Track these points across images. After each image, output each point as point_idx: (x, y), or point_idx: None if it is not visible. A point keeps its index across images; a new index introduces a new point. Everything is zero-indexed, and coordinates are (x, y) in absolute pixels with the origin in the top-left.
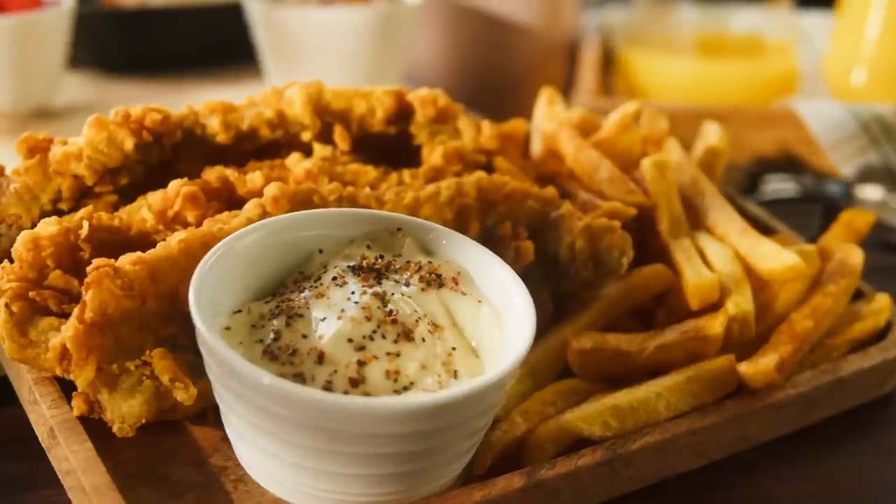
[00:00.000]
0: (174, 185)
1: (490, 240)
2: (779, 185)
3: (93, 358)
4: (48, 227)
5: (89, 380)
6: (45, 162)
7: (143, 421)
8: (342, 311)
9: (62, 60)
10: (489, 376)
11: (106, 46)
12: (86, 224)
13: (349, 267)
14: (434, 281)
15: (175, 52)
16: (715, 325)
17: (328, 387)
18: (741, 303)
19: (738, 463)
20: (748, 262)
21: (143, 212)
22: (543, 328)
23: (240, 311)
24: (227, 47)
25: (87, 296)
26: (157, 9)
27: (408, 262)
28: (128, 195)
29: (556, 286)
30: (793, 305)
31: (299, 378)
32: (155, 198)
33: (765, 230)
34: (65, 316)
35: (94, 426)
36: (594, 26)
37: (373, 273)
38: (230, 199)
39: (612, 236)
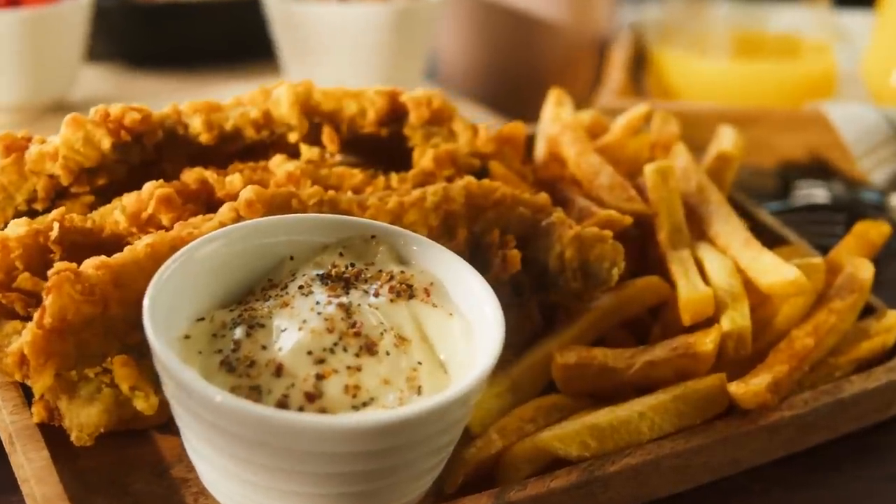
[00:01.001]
0: (148, 186)
1: (477, 247)
2: (810, 192)
3: (51, 364)
4: (17, 228)
5: (46, 386)
6: (22, 161)
7: (102, 430)
8: (304, 321)
9: (80, 54)
10: (448, 394)
11: (127, 40)
12: (56, 226)
13: (318, 275)
14: (405, 292)
15: (197, 46)
16: (706, 342)
17: (284, 401)
18: (737, 319)
19: (728, 487)
20: (748, 275)
21: (115, 214)
22: (530, 341)
23: (203, 319)
24: (249, 42)
25: (47, 301)
26: (179, 2)
27: (380, 271)
28: (108, 196)
29: (544, 297)
30: (795, 322)
31: (255, 391)
32: (129, 199)
33: (777, 240)
34: (31, 319)
35: (57, 433)
36: (628, 24)
37: (341, 282)
38: (209, 202)
39: (602, 247)
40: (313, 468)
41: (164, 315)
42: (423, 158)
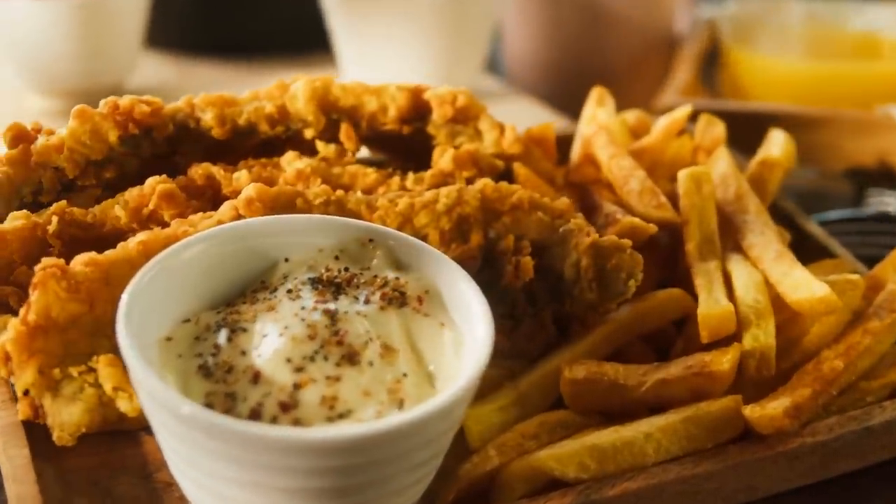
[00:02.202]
0: (150, 181)
1: (491, 253)
2: (881, 199)
3: (34, 361)
4: (14, 221)
5: (29, 383)
6: (28, 152)
7: (84, 430)
8: (286, 327)
9: (137, 40)
10: (425, 408)
11: (188, 27)
12: (54, 219)
13: (309, 279)
14: (396, 299)
15: (259, 35)
16: (722, 362)
17: (258, 410)
18: (760, 337)
19: None
20: (778, 290)
21: (116, 209)
22: (543, 352)
23: (189, 320)
24: (312, 33)
25: (32, 297)
26: None
27: (375, 276)
28: (118, 189)
29: (559, 307)
30: (826, 341)
31: (230, 398)
32: (132, 194)
33: (822, 253)
34: None
35: (46, 431)
36: (701, 19)
37: (332, 287)
38: (215, 198)
39: (620, 256)
40: (284, 483)
41: (146, 316)
42: (442, 158)
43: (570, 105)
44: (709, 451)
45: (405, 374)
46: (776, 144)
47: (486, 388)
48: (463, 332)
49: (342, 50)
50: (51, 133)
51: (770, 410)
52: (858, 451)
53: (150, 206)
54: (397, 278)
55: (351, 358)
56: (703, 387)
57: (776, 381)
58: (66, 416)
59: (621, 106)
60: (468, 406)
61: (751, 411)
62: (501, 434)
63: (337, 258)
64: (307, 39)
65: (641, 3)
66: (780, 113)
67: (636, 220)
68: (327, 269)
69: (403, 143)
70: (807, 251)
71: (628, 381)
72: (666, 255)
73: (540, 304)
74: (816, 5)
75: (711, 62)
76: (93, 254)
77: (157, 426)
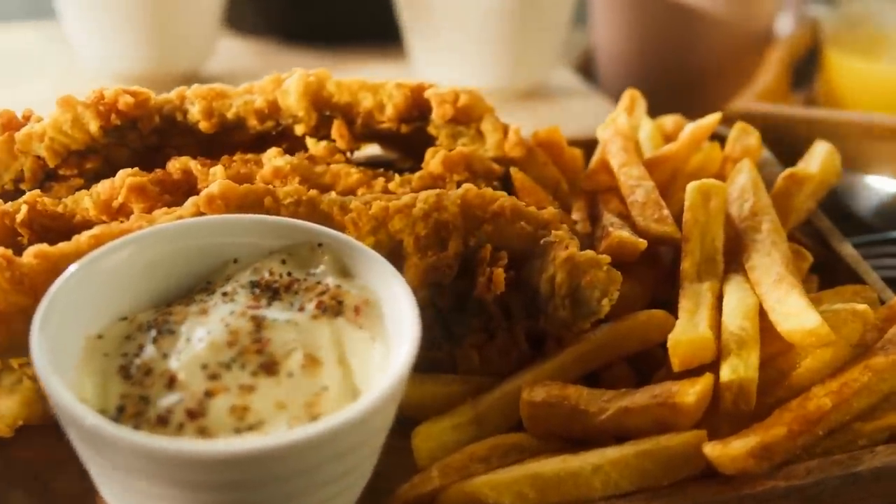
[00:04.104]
0: (121, 174)
1: (471, 262)
2: None
3: None
4: None
5: None
6: (12, 140)
7: (21, 422)
8: (208, 332)
9: (214, 25)
10: (333, 420)
11: (273, 12)
12: (24, 208)
13: (250, 282)
14: (332, 309)
15: (343, 24)
16: (689, 393)
17: (166, 416)
18: (740, 368)
19: None
20: (770, 318)
21: (85, 200)
22: (515, 370)
23: (125, 318)
24: (398, 24)
25: None
26: None
27: (317, 282)
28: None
29: (533, 323)
30: (821, 376)
31: (143, 401)
32: (103, 187)
33: (851, 278)
34: None
35: None
36: (799, 20)
37: (269, 292)
38: (191, 193)
39: (595, 273)
40: (191, 496)
41: (74, 313)
42: (433, 160)
43: (657, 106)
44: (664, 489)
45: (326, 388)
46: (816, 157)
47: (449, 404)
48: (392, 347)
49: (412, 45)
50: (40, 120)
51: (733, 449)
52: (843, 500)
53: (120, 199)
54: (339, 286)
55: (269, 368)
56: (667, 419)
57: (758, 417)
58: (4, 408)
59: (707, 111)
60: (395, 419)
61: (711, 449)
62: (451, 454)
63: (284, 262)
64: (392, 31)
65: (737, 0)
66: (859, 123)
67: (624, 234)
68: (270, 273)
69: (412, 142)
70: (839, 275)
71: (590, 406)
72: (667, 272)
73: (515, 319)
74: None
75: (809, 67)
76: (44, 246)
77: (69, 434)
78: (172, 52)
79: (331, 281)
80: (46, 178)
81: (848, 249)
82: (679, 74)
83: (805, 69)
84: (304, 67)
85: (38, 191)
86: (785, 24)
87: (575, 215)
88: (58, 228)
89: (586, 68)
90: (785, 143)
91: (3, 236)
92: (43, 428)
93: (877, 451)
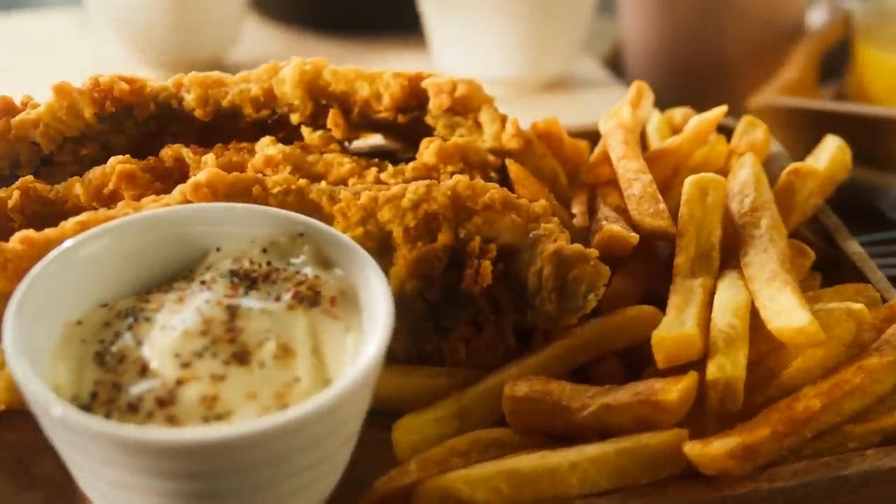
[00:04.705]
0: (112, 161)
1: (459, 255)
2: None
3: None
4: None
5: None
6: (9, 126)
7: (3, 407)
8: (183, 320)
9: (240, 12)
10: (300, 409)
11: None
12: (16, 194)
13: (229, 271)
14: (308, 299)
15: (371, 12)
16: (671, 390)
17: (136, 403)
18: (727, 367)
19: None
20: (762, 315)
21: (77, 187)
22: (500, 365)
23: (106, 305)
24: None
25: None
26: None
27: (296, 272)
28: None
29: (520, 317)
30: (813, 376)
31: (116, 388)
32: (95, 173)
33: (856, 277)
34: None
35: None
36: (841, 11)
37: (247, 281)
38: (183, 181)
39: (582, 267)
40: (158, 485)
41: (52, 299)
42: (427, 151)
43: (684, 100)
44: (643, 488)
45: (297, 379)
46: (825, 152)
47: (435, 397)
48: (366, 339)
49: (432, 34)
50: (36, 107)
51: (713, 449)
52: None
53: (111, 186)
54: (317, 276)
55: (241, 357)
56: (649, 416)
57: (746, 417)
58: None
59: (733, 104)
60: (379, 412)
61: (690, 448)
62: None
63: (265, 251)
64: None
65: None
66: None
67: (616, 228)
68: (250, 262)
69: (413, 132)
70: (844, 273)
71: (572, 403)
72: (664, 268)
73: (504, 312)
74: None
75: (841, 61)
76: (29, 231)
77: (40, 422)
78: (198, 38)
79: (309, 271)
80: (43, 164)
81: (854, 247)
82: (709, 67)
83: (836, 63)
84: (328, 56)
85: (30, 177)
86: (818, 17)
87: (576, 208)
88: (50, 214)
89: (615, 60)
90: (810, 138)
91: None
92: (27, 412)
93: (867, 454)
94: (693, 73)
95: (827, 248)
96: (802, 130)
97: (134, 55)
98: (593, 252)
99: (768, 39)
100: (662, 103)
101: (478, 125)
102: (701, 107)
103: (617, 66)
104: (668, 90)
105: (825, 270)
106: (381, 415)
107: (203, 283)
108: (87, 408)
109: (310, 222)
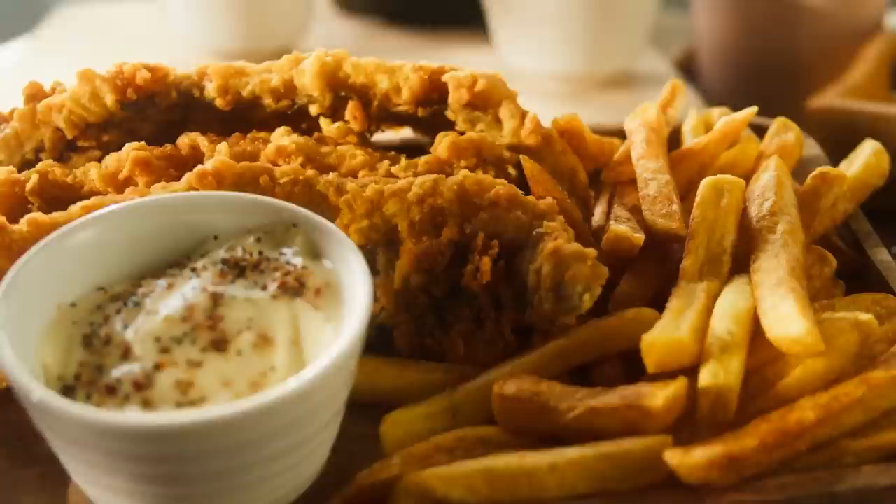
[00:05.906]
0: (127, 148)
1: (465, 250)
2: None
3: None
4: None
5: None
6: (34, 111)
7: (4, 385)
8: (167, 306)
9: (309, 2)
10: (272, 394)
11: None
12: (34, 177)
13: (221, 259)
14: (293, 289)
15: (446, 6)
16: (657, 396)
17: (114, 386)
18: (720, 375)
19: None
20: (762, 323)
21: (92, 172)
22: (501, 361)
23: (102, 288)
24: None
25: None
26: None
27: (286, 262)
28: None
29: (519, 315)
30: (812, 387)
31: (97, 370)
32: (111, 159)
33: (882, 286)
34: None
35: None
36: None
37: (236, 270)
38: None
39: (579, 267)
40: (136, 468)
41: (50, 279)
42: (441, 145)
43: (754, 98)
44: (623, 495)
45: (273, 368)
46: (860, 157)
47: (429, 392)
48: (344, 330)
49: (495, 30)
50: (63, 93)
51: (694, 457)
52: None
53: (125, 173)
54: (305, 267)
55: (219, 345)
56: (636, 421)
57: (739, 427)
58: None
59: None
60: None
61: (671, 455)
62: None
63: (259, 240)
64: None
65: None
66: None
67: (621, 229)
68: (243, 251)
69: (437, 126)
70: (870, 282)
71: (560, 404)
72: (676, 270)
73: (504, 310)
74: None
75: None
76: (38, 214)
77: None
78: (266, 28)
79: (299, 262)
80: (67, 149)
81: (882, 255)
82: (782, 67)
83: None
84: (396, 48)
85: (50, 160)
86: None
87: (598, 207)
88: (66, 198)
89: (689, 62)
90: None
91: (13, 204)
92: None
93: (862, 469)
94: (766, 72)
95: (854, 256)
96: (858, 135)
97: (203, 45)
98: (591, 252)
99: (844, 41)
100: (734, 103)
101: (498, 120)
102: (773, 108)
103: (690, 68)
104: (740, 90)
105: (851, 279)
106: (378, 409)
107: (194, 270)
108: (70, 388)
109: (305, 214)
